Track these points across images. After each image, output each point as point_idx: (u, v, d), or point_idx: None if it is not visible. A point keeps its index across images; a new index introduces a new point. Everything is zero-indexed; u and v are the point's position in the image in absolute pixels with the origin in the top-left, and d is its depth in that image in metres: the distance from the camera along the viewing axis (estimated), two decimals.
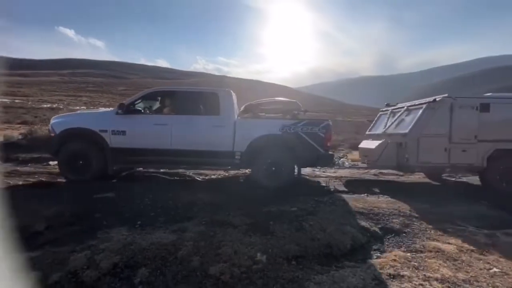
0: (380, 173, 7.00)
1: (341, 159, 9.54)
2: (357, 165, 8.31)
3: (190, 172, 6.03)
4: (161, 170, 5.83)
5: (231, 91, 5.04)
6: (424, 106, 5.34)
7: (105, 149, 4.59)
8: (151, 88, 5.28)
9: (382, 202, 4.10)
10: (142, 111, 5.02)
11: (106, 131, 4.59)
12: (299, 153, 4.69)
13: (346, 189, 4.95)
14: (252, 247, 2.50)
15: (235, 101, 5.07)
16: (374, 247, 2.79)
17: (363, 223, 3.23)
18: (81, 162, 4.58)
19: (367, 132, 6.91)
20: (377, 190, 4.93)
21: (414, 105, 5.73)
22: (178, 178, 5.60)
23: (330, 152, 4.94)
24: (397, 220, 3.39)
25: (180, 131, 4.65)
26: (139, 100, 4.93)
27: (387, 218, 3.44)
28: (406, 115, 5.76)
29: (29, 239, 2.74)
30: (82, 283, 2.02)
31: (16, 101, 22.64)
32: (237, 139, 4.66)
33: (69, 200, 3.51)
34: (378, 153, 5.51)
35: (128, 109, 4.69)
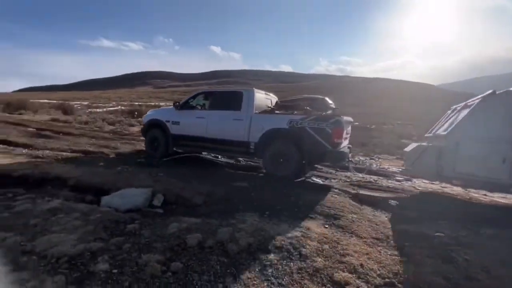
0: None
1: (370, 160, 8.64)
2: (387, 169, 7.28)
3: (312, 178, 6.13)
4: None
5: (256, 89, 5.67)
6: (476, 102, 4.39)
7: (168, 135, 6.20)
8: (198, 91, 6.67)
9: None
10: (194, 107, 6.28)
11: (169, 121, 6.23)
12: (305, 147, 4.83)
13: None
14: (382, 266, 2.25)
15: (258, 98, 5.60)
16: None
17: None
18: (155, 144, 6.37)
19: (425, 135, 5.91)
20: None
21: (474, 100, 4.60)
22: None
23: (341, 150, 4.79)
24: None
25: (212, 123, 5.73)
26: (192, 99, 6.27)
27: None
28: (462, 114, 4.68)
29: (191, 208, 3.65)
30: (226, 252, 2.48)
31: None
32: (251, 131, 5.29)
33: (217, 184, 4.39)
34: (413, 157, 4.80)
35: (182, 106, 6.19)
